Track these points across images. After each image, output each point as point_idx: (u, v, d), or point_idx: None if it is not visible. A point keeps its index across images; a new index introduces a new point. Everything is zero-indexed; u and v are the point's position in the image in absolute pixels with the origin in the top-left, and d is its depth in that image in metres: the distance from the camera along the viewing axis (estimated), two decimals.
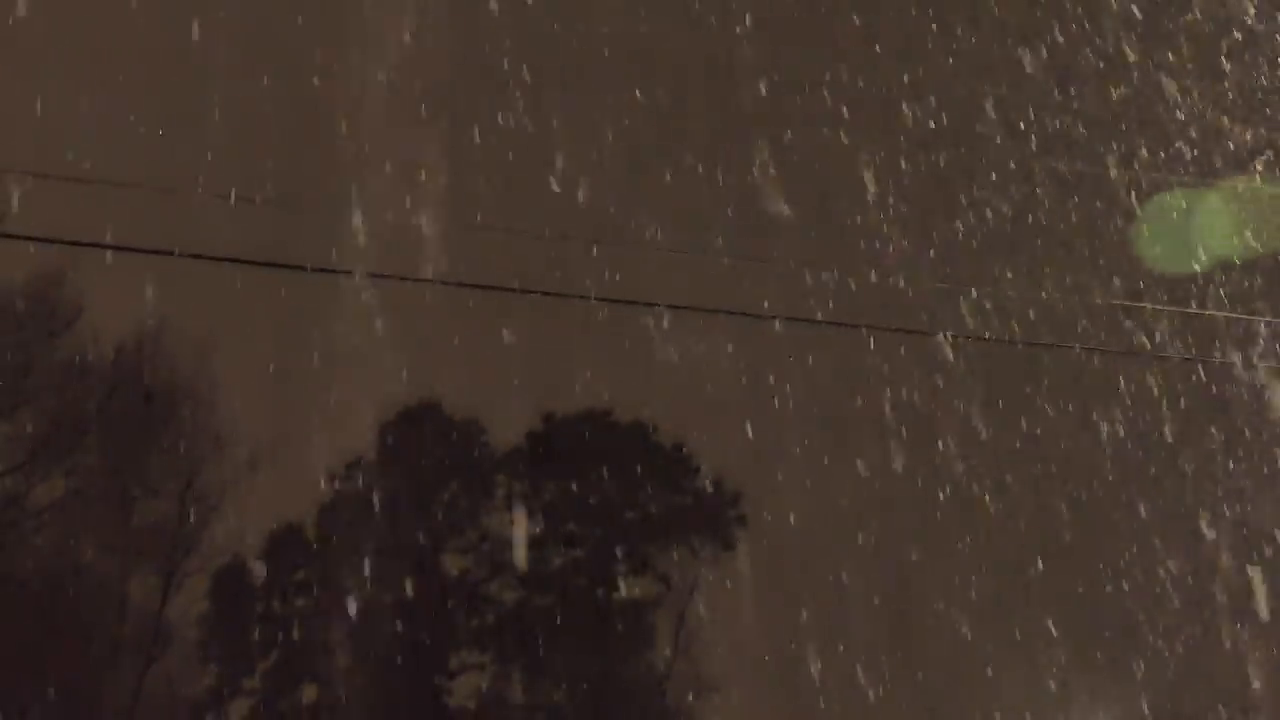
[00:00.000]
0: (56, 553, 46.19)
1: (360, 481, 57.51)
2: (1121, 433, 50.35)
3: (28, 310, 45.44)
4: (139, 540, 48.58)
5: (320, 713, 53.83)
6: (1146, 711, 49.36)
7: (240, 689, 54.58)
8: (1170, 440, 49.26)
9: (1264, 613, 43.69)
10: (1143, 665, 52.00)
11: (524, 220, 64.01)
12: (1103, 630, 56.64)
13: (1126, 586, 54.48)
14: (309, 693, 55.57)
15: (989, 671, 60.18)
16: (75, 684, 43.51)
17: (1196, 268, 37.91)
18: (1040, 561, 56.91)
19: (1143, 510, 52.50)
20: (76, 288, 47.38)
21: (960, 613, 63.12)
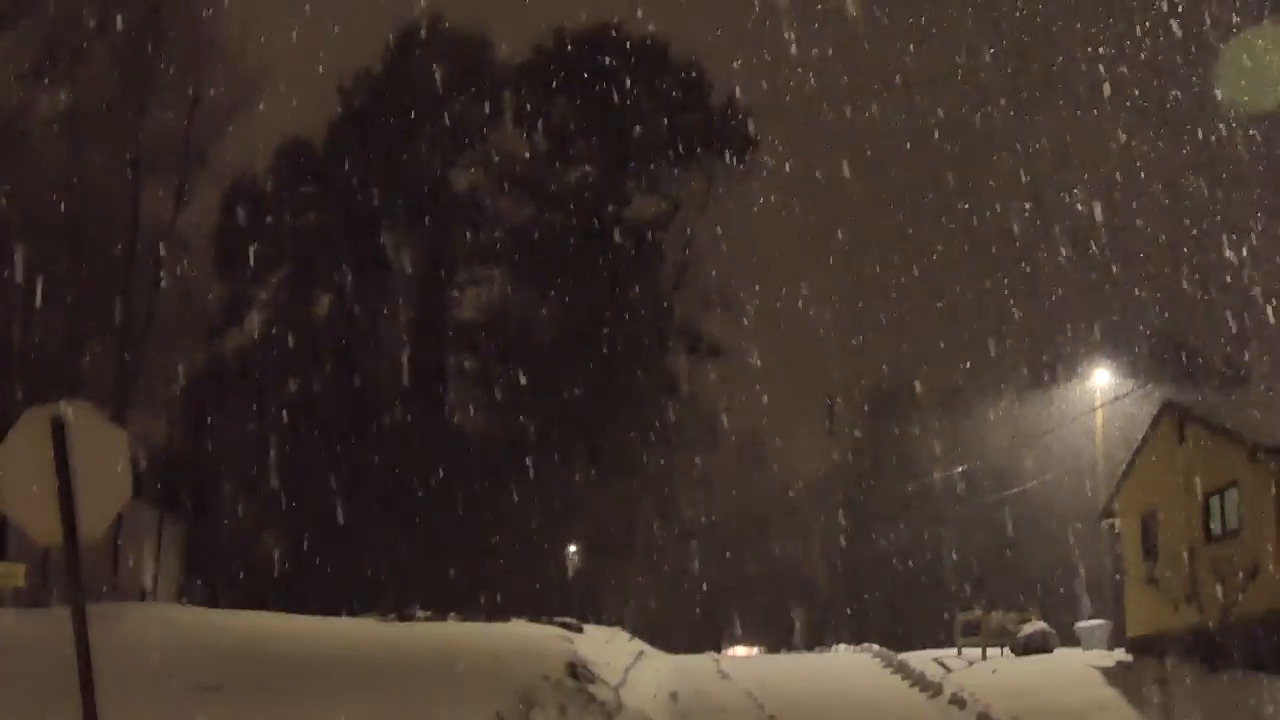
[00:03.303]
0: (66, 164, 45.84)
1: (368, 96, 56.90)
2: None
3: None
4: (149, 153, 48.22)
5: (333, 323, 54.71)
6: None
7: (254, 300, 55.36)
8: None
9: None
10: None
11: None
12: None
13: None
14: (321, 304, 56.33)
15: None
16: (90, 296, 43.92)
17: None
18: None
19: None
20: None
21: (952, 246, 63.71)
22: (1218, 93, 40.28)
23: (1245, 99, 38.49)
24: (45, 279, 40.09)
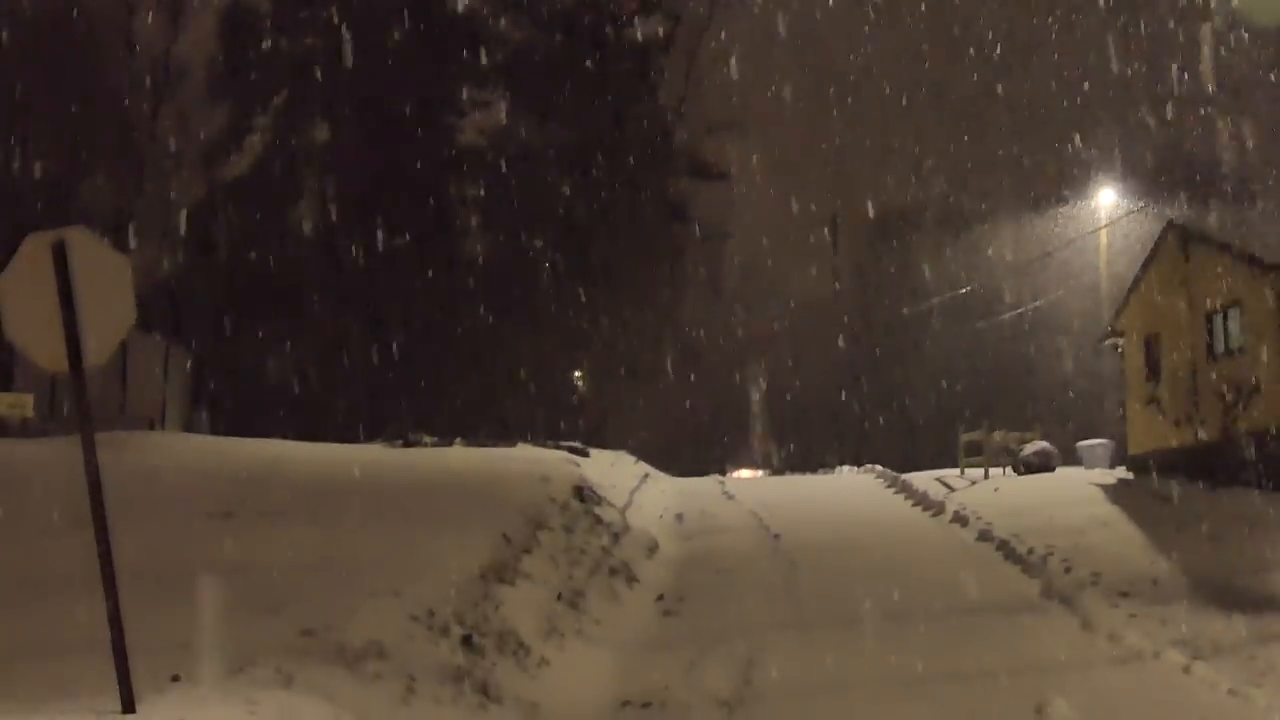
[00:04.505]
0: None
1: None
2: None
3: None
4: None
5: (333, 151, 54.24)
6: None
7: (253, 127, 54.75)
8: None
9: None
10: None
11: None
12: None
13: None
14: (321, 131, 55.74)
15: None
16: (88, 125, 43.54)
17: None
18: None
19: None
20: None
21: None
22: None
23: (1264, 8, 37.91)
24: (42, 108, 39.76)
